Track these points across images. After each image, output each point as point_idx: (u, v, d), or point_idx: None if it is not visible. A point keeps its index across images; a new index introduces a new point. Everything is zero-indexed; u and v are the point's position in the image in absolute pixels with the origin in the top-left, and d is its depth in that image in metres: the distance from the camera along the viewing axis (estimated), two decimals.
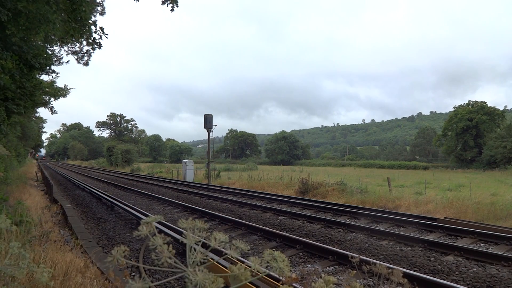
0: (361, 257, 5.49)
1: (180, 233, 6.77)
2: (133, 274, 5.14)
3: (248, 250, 0.58)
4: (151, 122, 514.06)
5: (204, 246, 0.61)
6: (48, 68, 9.29)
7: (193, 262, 0.56)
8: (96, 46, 8.94)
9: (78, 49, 10.65)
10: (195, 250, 0.57)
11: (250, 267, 0.60)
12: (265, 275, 3.53)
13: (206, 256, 0.58)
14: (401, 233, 7.64)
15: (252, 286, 2.94)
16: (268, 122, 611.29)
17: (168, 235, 6.75)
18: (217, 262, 3.35)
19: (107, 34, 8.60)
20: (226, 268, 4.01)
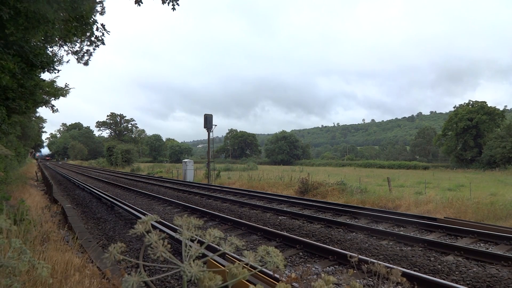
0: (360, 256, 5.49)
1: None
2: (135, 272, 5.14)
3: (242, 247, 0.58)
4: (147, 121, 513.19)
5: (200, 243, 0.61)
6: (50, 66, 9.30)
7: (189, 257, 0.56)
8: (99, 42, 8.96)
9: (78, 49, 10.65)
10: (191, 246, 0.57)
11: (243, 261, 0.60)
12: (264, 275, 3.53)
13: (201, 251, 0.58)
14: (401, 233, 7.64)
15: (249, 283, 2.94)
16: (266, 121, 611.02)
17: (168, 234, 6.75)
18: (211, 258, 3.35)
19: (109, 31, 8.61)
20: (221, 264, 4.01)
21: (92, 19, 8.30)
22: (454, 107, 63.58)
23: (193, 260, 0.55)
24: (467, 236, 7.50)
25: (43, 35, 7.45)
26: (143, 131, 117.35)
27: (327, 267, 5.63)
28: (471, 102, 60.51)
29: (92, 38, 8.75)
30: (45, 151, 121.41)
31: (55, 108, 16.06)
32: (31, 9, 6.09)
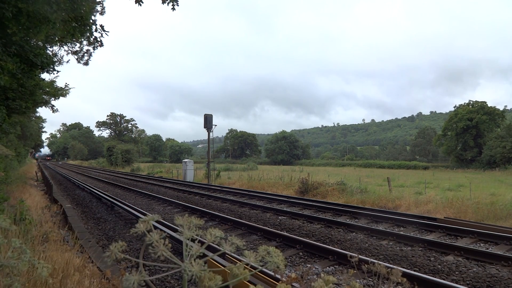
0: (360, 256, 5.49)
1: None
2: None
3: (243, 247, 0.58)
4: (146, 121, 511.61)
5: (201, 242, 0.61)
6: (50, 67, 9.29)
7: (189, 256, 0.56)
8: (97, 44, 8.93)
9: (78, 49, 10.64)
10: (191, 246, 0.58)
11: (244, 261, 0.60)
12: (265, 275, 3.53)
13: (202, 252, 0.58)
14: (401, 233, 7.64)
15: (249, 283, 2.95)
16: (265, 121, 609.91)
17: (168, 234, 6.75)
18: (211, 258, 3.35)
19: (107, 32, 8.59)
20: (221, 264, 4.01)
21: (91, 19, 8.28)
22: (454, 107, 63.66)
23: (194, 260, 0.55)
24: (467, 236, 7.50)
25: (45, 34, 7.43)
26: (143, 131, 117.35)
27: (327, 267, 5.63)
28: (471, 102, 60.52)
29: (91, 39, 8.73)
30: (45, 151, 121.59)
31: (55, 108, 16.09)
32: (31, 9, 6.09)
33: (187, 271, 0.53)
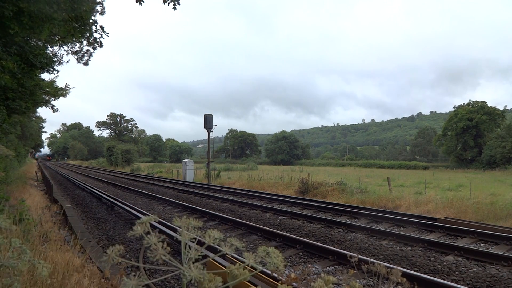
0: (360, 256, 5.49)
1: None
2: (134, 274, 5.14)
3: (242, 248, 0.58)
4: (146, 121, 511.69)
5: (200, 244, 0.61)
6: (49, 67, 9.29)
7: (188, 259, 0.56)
8: (97, 45, 8.93)
9: (78, 49, 10.64)
10: (190, 248, 0.57)
11: (244, 262, 0.60)
12: (264, 275, 3.53)
13: (201, 253, 0.58)
14: (401, 233, 7.64)
15: (250, 284, 2.94)
16: (265, 121, 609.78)
17: (167, 235, 6.75)
18: (212, 259, 3.35)
19: (107, 33, 8.59)
20: (221, 265, 4.01)
21: (91, 19, 8.28)
22: (454, 107, 63.71)
23: (193, 262, 0.55)
24: (467, 236, 7.50)
25: (48, 33, 7.42)
26: (143, 131, 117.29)
27: (327, 267, 5.63)
28: (471, 102, 60.55)
29: (91, 40, 8.73)
30: (45, 151, 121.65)
31: (55, 108, 16.07)
32: (32, 9, 6.09)
33: (186, 275, 0.53)
